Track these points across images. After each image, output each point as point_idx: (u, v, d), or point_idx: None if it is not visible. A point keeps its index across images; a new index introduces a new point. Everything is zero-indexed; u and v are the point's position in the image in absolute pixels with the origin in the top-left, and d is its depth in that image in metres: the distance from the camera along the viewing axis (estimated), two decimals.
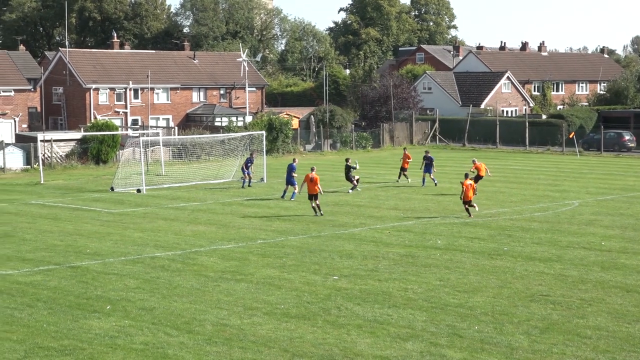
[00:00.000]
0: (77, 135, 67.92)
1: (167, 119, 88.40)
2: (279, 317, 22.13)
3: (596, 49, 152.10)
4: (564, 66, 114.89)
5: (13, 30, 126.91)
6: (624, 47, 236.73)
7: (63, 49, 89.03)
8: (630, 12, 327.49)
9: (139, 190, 48.80)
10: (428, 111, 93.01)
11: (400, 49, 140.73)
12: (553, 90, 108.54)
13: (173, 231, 35.47)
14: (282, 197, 45.22)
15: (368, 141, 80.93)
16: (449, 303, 23.43)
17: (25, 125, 79.96)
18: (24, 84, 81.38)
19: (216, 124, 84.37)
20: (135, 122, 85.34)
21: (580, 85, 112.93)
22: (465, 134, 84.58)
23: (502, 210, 40.90)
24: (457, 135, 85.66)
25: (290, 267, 28.24)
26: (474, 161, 48.47)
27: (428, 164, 50.63)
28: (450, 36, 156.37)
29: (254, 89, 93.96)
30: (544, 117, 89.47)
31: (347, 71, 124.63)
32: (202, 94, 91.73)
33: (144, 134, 66.84)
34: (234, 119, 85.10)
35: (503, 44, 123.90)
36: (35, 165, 61.37)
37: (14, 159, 62.90)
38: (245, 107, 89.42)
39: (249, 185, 50.20)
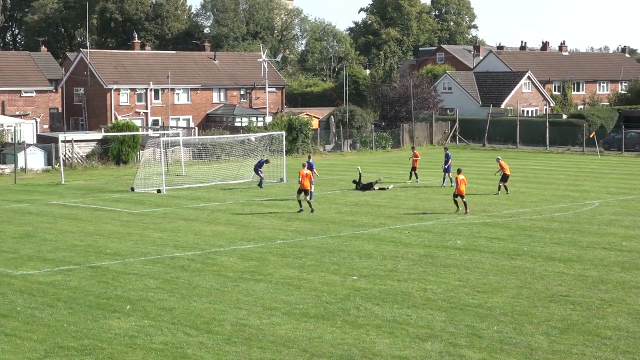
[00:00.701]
0: (98, 135, 68.20)
1: (188, 120, 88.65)
2: (298, 317, 22.15)
3: (617, 49, 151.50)
4: (585, 66, 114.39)
5: (35, 31, 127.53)
6: None
7: (84, 49, 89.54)
8: None
9: (159, 191, 48.93)
10: (448, 111, 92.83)
11: (420, 49, 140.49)
12: (574, 90, 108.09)
13: (193, 231, 35.56)
14: None
15: (388, 141, 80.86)
16: (468, 303, 23.39)
17: (46, 126, 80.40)
18: (46, 84, 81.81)
19: (236, 124, 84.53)
20: (155, 122, 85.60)
21: (601, 84, 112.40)
22: (486, 134, 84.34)
23: (522, 210, 40.80)
24: (477, 135, 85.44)
25: (310, 267, 28.27)
26: (498, 160, 48.12)
27: (447, 161, 50.44)
28: (470, 36, 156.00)
29: (274, 89, 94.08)
30: (564, 117, 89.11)
31: (367, 71, 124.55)
32: (222, 94, 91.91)
33: (164, 134, 67.04)
34: (254, 119, 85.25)
35: (524, 44, 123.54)
36: (56, 166, 61.64)
37: (36, 159, 63.20)
38: (266, 108, 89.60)
39: (259, 186, 50.25)
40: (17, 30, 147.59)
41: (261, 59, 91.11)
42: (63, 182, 54.39)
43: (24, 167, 61.29)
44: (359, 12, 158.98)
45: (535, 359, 18.91)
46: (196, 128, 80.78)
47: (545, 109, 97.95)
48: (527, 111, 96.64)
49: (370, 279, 26.34)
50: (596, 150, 74.79)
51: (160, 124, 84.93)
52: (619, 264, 28.32)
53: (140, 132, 69.63)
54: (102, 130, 71.41)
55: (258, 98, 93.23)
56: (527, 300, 23.73)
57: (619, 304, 23.31)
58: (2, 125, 69.76)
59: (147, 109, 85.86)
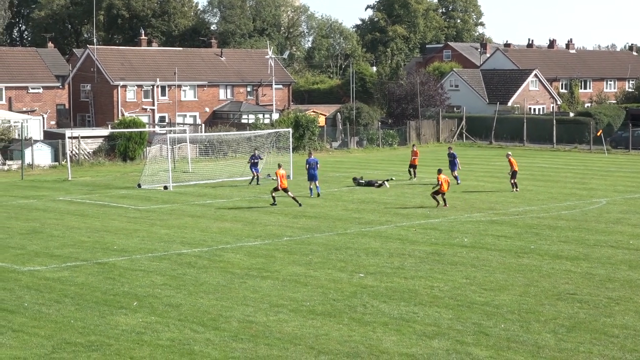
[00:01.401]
0: (105, 132, 68.29)
1: (194, 116, 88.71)
2: (304, 315, 22.16)
3: (625, 47, 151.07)
4: (592, 64, 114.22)
5: (42, 27, 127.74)
6: None
7: (91, 46, 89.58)
8: None
9: (165, 187, 48.98)
10: (455, 109, 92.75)
11: (427, 46, 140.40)
12: (581, 88, 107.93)
13: (199, 228, 35.59)
14: (311, 195, 45.15)
15: (395, 139, 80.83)
16: (475, 301, 23.37)
17: (53, 122, 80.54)
18: (53, 81, 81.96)
19: (243, 121, 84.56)
20: (162, 119, 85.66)
21: (609, 82, 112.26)
22: (492, 131, 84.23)
23: (529, 208, 40.76)
24: (484, 133, 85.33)
25: (316, 264, 28.27)
26: (508, 155, 47.77)
27: (451, 161, 50.38)
28: (477, 33, 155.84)
29: (280, 86, 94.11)
30: (571, 115, 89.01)
31: (374, 68, 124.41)
32: (229, 91, 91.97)
33: (171, 131, 67.11)
34: (260, 116, 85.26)
35: (531, 42, 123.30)
36: (63, 162, 61.73)
37: (42, 155, 63.32)
38: (272, 105, 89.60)
39: (257, 184, 50.24)
40: (24, 27, 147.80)
41: (268, 56, 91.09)
42: (70, 179, 54.46)
43: (31, 163, 61.39)
44: (366, 9, 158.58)
45: (542, 357, 18.89)
46: (203, 125, 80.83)
47: (552, 106, 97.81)
48: (534, 109, 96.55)
49: (377, 277, 26.34)
50: (603, 148, 74.69)
51: (167, 120, 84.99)
52: (626, 262, 28.28)
53: (147, 129, 69.66)
54: (109, 126, 71.48)
55: (265, 95, 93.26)
56: (534, 298, 23.71)
57: (626, 302, 23.28)
58: (9, 121, 69.82)
59: (153, 105, 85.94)
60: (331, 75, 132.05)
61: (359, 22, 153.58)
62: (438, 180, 40.38)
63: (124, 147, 65.35)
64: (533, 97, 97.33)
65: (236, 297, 23.98)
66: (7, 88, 78.03)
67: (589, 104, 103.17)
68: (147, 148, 64.56)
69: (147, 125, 74.05)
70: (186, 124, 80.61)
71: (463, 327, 21.03)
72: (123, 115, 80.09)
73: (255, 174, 50.67)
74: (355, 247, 31.23)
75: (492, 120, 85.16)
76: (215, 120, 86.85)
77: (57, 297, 24.03)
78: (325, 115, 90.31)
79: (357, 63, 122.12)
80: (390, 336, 20.32)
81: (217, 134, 66.61)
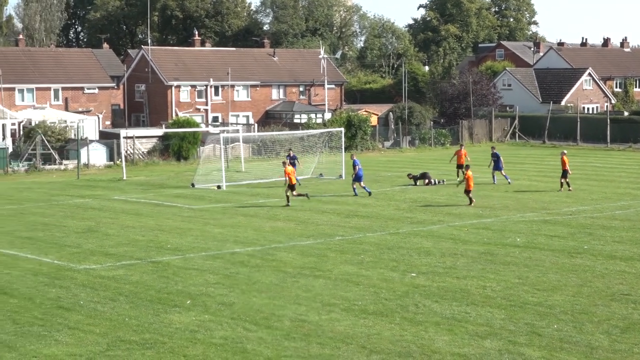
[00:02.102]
0: (159, 132, 68.88)
1: (247, 116, 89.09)
2: (356, 314, 22.23)
3: None
4: None
5: (97, 28, 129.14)
6: None
7: (145, 46, 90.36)
8: None
9: (219, 187, 49.28)
10: (507, 108, 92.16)
11: (479, 45, 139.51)
12: (635, 87, 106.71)
13: (252, 227, 35.79)
14: (355, 194, 45.14)
15: (447, 138, 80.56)
16: (527, 301, 23.28)
17: (108, 122, 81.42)
18: (108, 81, 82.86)
19: (295, 120, 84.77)
20: (215, 119, 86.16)
21: None
22: (546, 131, 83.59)
23: (583, 208, 40.44)
24: (537, 132, 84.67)
25: (368, 263, 28.33)
26: (562, 154, 46.94)
27: (496, 161, 50.02)
28: (530, 32, 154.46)
29: (333, 86, 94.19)
30: (626, 114, 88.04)
31: (426, 68, 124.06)
32: (281, 91, 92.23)
33: (224, 130, 67.49)
34: (312, 115, 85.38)
35: (584, 40, 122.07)
36: (118, 162, 62.39)
37: (98, 155, 64.07)
38: (325, 104, 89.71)
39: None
40: (79, 28, 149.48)
41: (320, 56, 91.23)
42: (125, 178, 55.00)
43: (86, 162, 62.13)
44: (418, 8, 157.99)
45: (595, 358, 18.79)
46: (255, 124, 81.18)
47: (607, 105, 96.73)
48: (588, 108, 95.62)
49: (429, 276, 26.34)
50: None
51: (220, 120, 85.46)
52: None
53: (200, 129, 70.13)
54: (163, 126, 72.09)
55: (317, 95, 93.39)
56: (587, 298, 23.56)
57: None
58: (65, 121, 70.77)
59: (207, 105, 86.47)
60: (383, 75, 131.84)
61: (412, 22, 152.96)
62: (465, 176, 40.92)
63: (178, 147, 65.87)
64: (587, 96, 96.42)
65: (288, 296, 24.11)
66: (63, 89, 78.99)
67: None
68: (201, 148, 65.01)
69: (200, 125, 74.59)
70: (239, 124, 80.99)
71: (515, 327, 20.97)
72: (177, 115, 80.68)
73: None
74: (407, 246, 31.24)
75: (545, 119, 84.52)
76: (267, 120, 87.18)
77: (112, 295, 24.34)
78: (377, 115, 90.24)
79: (409, 62, 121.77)
80: (442, 336, 20.33)
81: (269, 133, 66.85)
